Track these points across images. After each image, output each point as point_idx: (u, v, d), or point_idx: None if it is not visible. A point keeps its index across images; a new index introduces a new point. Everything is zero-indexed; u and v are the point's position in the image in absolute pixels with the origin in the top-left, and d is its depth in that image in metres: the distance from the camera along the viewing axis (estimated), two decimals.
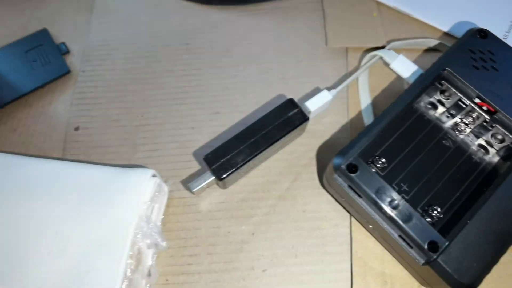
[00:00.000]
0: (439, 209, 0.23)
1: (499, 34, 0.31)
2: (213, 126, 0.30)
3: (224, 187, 0.27)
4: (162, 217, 0.27)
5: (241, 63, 0.33)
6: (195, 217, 0.27)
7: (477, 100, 0.25)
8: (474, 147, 0.25)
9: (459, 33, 0.32)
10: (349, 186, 0.23)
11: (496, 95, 0.24)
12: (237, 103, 0.31)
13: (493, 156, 0.25)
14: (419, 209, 0.24)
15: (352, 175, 0.23)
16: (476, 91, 0.24)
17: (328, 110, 0.30)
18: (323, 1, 0.35)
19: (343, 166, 0.23)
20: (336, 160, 0.23)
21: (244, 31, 0.34)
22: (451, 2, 0.33)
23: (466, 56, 0.25)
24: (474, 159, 0.25)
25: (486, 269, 0.21)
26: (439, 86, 0.26)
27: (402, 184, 0.24)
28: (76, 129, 0.31)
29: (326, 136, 0.29)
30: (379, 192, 0.22)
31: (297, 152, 0.29)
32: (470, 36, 0.26)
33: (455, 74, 0.25)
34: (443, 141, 0.25)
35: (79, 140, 0.30)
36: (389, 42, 0.32)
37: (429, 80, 0.25)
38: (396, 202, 0.22)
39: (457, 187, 0.24)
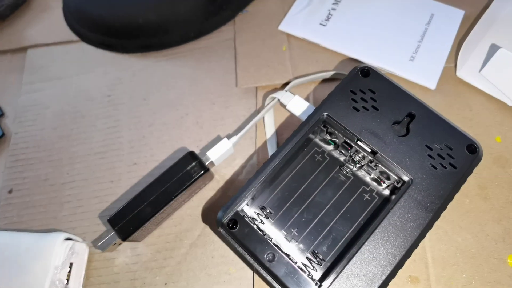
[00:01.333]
0: (321, 257, 0.24)
1: (407, 56, 0.32)
2: (131, 178, 0.32)
3: (139, 240, 0.29)
4: (83, 274, 0.29)
5: (158, 110, 0.34)
6: (113, 271, 0.29)
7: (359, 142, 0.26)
8: (366, 184, 0.26)
9: (366, 58, 0.32)
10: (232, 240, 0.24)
11: (376, 136, 0.25)
12: (152, 152, 0.32)
13: (384, 190, 0.26)
14: (308, 253, 0.24)
15: (232, 230, 0.24)
16: (356, 135, 0.25)
17: (239, 151, 0.31)
18: (235, 39, 0.36)
19: (224, 222, 0.24)
20: (219, 215, 0.24)
21: (161, 77, 0.35)
22: (356, 29, 0.34)
23: (347, 98, 0.26)
24: (365, 197, 0.26)
25: None
26: (324, 128, 0.26)
27: (291, 229, 0.25)
28: (10, 191, 0.33)
29: (235, 179, 0.30)
30: (258, 246, 0.23)
31: (207, 198, 0.30)
32: (353, 76, 0.27)
33: (334, 118, 0.26)
34: (337, 178, 0.26)
35: (12, 202, 0.32)
36: (296, 76, 0.33)
37: (312, 125, 0.26)
38: (272, 255, 0.23)
39: (348, 226, 0.25)
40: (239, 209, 0.24)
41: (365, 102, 0.26)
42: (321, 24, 0.34)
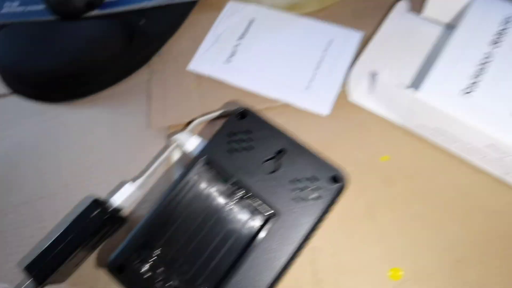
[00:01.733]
0: None
1: (303, 85, 0.34)
2: (41, 228, 0.34)
3: (61, 281, 0.32)
4: None
5: (75, 157, 0.37)
6: None
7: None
8: (244, 219, 0.28)
9: (265, 91, 0.34)
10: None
11: (249, 174, 0.27)
12: (63, 202, 0.35)
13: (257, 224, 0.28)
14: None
15: (119, 275, 0.26)
16: (232, 174, 0.27)
17: (155, 192, 0.33)
18: (152, 81, 0.38)
19: (112, 267, 0.26)
20: (109, 260, 0.27)
21: (82, 124, 0.38)
22: (258, 63, 0.36)
23: (225, 140, 0.28)
24: (243, 230, 0.28)
25: None
26: (206, 169, 0.29)
27: (181, 271, 0.27)
28: None
29: None
30: None
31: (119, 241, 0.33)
32: (231, 118, 0.29)
33: (213, 160, 0.28)
34: (220, 218, 0.28)
35: None
36: (204, 114, 0.35)
37: (191, 168, 0.28)
38: None
39: (229, 259, 0.27)
40: (126, 253, 0.27)
41: (241, 143, 0.28)
42: (226, 61, 0.36)
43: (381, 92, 0.31)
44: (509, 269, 0.27)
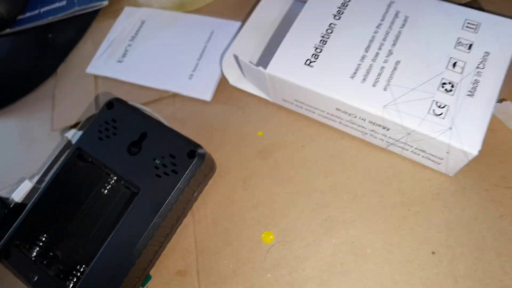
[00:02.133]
0: (78, 267, 0.29)
1: (187, 75, 0.36)
2: None
3: None
4: None
5: None
6: None
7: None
8: (112, 203, 0.30)
9: (154, 83, 0.37)
10: None
11: (114, 159, 0.29)
12: None
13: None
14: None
15: (5, 260, 0.29)
16: (101, 161, 0.30)
17: None
18: (56, 87, 0.41)
19: None
20: None
21: None
22: (147, 59, 0.38)
23: (95, 131, 0.31)
24: (113, 213, 0.30)
25: None
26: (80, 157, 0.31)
27: (64, 252, 0.30)
28: None
29: None
30: (25, 271, 0.28)
31: None
32: (101, 110, 0.31)
33: (84, 148, 0.30)
34: (93, 200, 0.30)
35: None
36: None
37: (67, 159, 0.30)
38: (37, 278, 0.28)
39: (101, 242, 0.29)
40: (12, 239, 0.29)
41: (107, 131, 0.30)
42: (118, 61, 0.39)
43: (247, 73, 0.34)
44: (372, 222, 0.29)
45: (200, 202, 0.32)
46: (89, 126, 0.31)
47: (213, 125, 0.35)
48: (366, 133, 0.31)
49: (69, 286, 0.27)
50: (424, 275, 0.27)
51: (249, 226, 0.31)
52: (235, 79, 0.36)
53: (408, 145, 0.29)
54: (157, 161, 0.28)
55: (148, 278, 0.30)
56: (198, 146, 0.29)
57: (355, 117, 0.29)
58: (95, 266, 0.27)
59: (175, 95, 0.37)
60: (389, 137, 0.29)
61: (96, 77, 0.40)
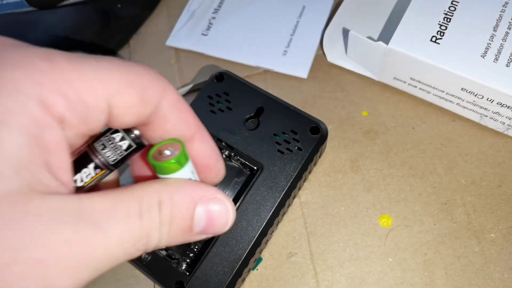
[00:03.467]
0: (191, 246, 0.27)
1: (280, 51, 0.34)
2: None
3: None
4: None
5: None
6: None
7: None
8: (231, 180, 0.29)
9: (244, 59, 0.35)
10: None
11: (231, 133, 0.28)
12: None
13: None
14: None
15: None
16: (214, 135, 0.28)
17: None
18: (131, 58, 0.38)
19: None
20: None
21: None
22: (235, 33, 0.36)
23: (205, 103, 0.29)
24: (236, 187, 0.28)
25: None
26: None
27: None
28: None
29: None
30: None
31: None
32: (209, 82, 0.29)
33: None
34: None
35: None
36: (184, 85, 0.36)
37: None
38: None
39: None
40: None
41: (219, 105, 0.28)
42: (202, 34, 0.37)
43: (356, 49, 0.32)
44: (493, 206, 0.28)
45: (306, 182, 0.31)
46: (196, 99, 0.29)
47: (310, 103, 0.33)
48: (486, 116, 0.29)
49: (182, 266, 0.26)
50: None
51: (363, 209, 0.29)
52: (334, 55, 0.34)
53: None
54: (278, 137, 0.27)
55: (259, 260, 0.29)
56: (321, 122, 0.27)
57: (482, 98, 0.28)
58: (215, 247, 0.25)
59: (266, 72, 0.35)
60: None
61: (177, 50, 0.38)
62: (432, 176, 0.30)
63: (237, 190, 0.28)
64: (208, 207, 0.15)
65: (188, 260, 0.26)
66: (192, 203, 0.15)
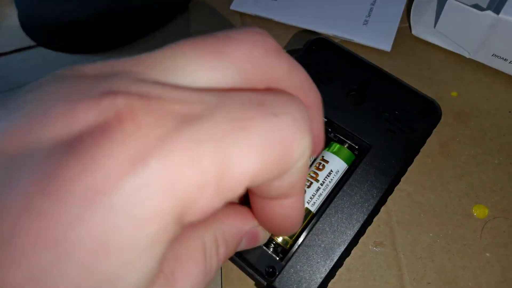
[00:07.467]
0: None
1: (360, 20, 0.31)
2: None
3: None
4: None
5: None
6: None
7: None
8: None
9: (320, 27, 0.32)
10: None
11: (332, 107, 0.25)
12: None
13: None
14: None
15: None
16: None
17: None
18: (190, 26, 0.35)
19: None
20: None
21: None
22: (303, 0, 0.33)
23: None
24: None
25: (322, 284, 0.22)
26: None
27: None
28: None
29: None
30: None
31: None
32: (306, 49, 0.26)
33: None
34: None
35: None
36: None
37: None
38: None
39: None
40: None
41: (318, 74, 0.25)
42: None
43: (452, 20, 0.29)
44: None
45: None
46: None
47: None
48: None
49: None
50: None
51: (455, 198, 0.27)
52: (420, 28, 0.31)
53: None
54: (389, 115, 0.24)
55: None
56: (435, 101, 0.24)
57: None
58: (313, 231, 0.22)
59: (343, 42, 0.32)
60: None
61: (242, 15, 0.34)
62: None
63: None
64: (249, 237, 0.16)
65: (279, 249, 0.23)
66: (239, 236, 0.16)
